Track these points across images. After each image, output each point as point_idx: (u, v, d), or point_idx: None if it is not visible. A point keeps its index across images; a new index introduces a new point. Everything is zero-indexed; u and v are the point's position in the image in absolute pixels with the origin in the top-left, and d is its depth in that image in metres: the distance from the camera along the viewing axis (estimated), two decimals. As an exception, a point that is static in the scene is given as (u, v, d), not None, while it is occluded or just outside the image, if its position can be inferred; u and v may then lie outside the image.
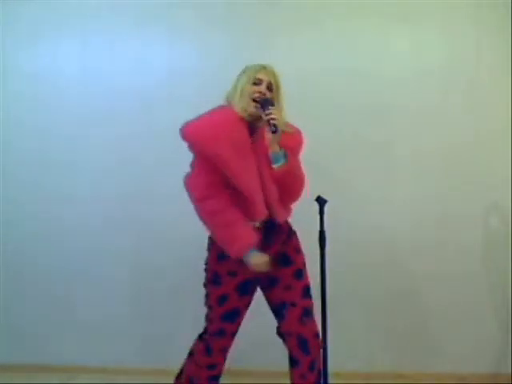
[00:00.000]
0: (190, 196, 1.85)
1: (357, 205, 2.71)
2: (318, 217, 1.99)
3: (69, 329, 2.83)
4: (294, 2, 2.69)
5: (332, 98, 2.69)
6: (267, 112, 1.75)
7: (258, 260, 1.78)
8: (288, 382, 1.94)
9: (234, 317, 1.90)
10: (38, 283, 2.83)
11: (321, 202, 1.98)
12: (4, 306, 2.84)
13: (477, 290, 2.69)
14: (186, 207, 1.92)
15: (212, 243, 1.92)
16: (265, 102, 1.78)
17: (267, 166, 1.81)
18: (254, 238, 1.77)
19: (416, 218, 2.70)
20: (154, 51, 2.75)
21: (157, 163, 2.72)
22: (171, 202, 2.61)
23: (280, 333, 1.92)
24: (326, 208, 1.98)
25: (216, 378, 1.97)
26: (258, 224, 1.84)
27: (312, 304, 1.91)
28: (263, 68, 1.86)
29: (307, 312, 1.88)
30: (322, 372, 1.94)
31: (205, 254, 1.97)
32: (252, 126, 1.85)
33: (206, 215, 1.81)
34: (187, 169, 1.90)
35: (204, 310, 1.97)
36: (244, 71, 1.88)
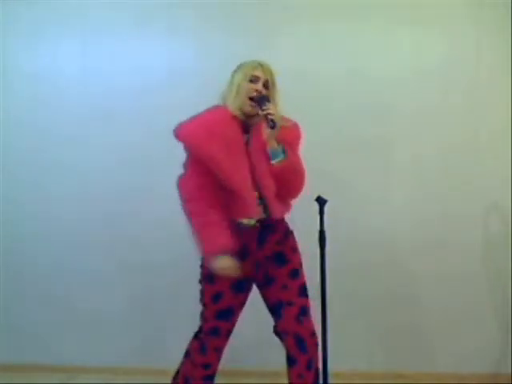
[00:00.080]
0: (181, 196, 1.88)
1: (357, 205, 2.71)
2: (318, 217, 1.98)
3: (69, 329, 2.83)
4: (294, 1, 2.69)
5: (332, 98, 2.69)
6: (264, 108, 1.75)
7: (225, 264, 1.76)
8: (285, 381, 1.94)
9: (228, 315, 1.89)
10: (37, 283, 2.83)
11: (321, 201, 1.98)
12: (4, 306, 2.84)
13: (477, 290, 2.69)
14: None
15: None
16: (261, 99, 1.78)
17: (265, 161, 1.81)
18: (227, 241, 1.75)
19: (416, 218, 2.70)
20: (154, 51, 2.75)
21: (156, 163, 2.72)
22: (171, 201, 2.60)
23: (277, 332, 1.91)
24: (326, 208, 1.98)
25: (211, 377, 1.96)
26: (253, 222, 1.84)
27: (309, 303, 1.91)
28: (260, 65, 1.85)
29: (304, 311, 1.87)
30: (319, 371, 1.92)
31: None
32: (246, 123, 1.85)
33: (190, 215, 1.83)
34: (185, 169, 1.90)
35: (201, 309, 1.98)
36: (239, 68, 1.88)
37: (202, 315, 1.95)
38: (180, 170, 1.93)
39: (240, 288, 1.89)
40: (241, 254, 1.82)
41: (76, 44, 2.78)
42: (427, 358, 2.73)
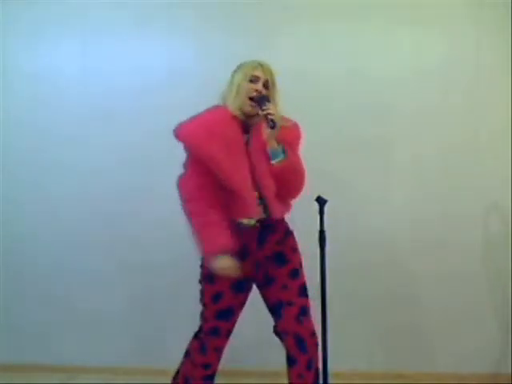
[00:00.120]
0: (180, 196, 1.88)
1: (357, 205, 2.71)
2: (318, 217, 1.98)
3: (69, 329, 2.83)
4: (294, 1, 2.69)
5: (332, 98, 2.69)
6: (264, 108, 1.75)
7: (224, 264, 1.76)
8: (285, 381, 1.94)
9: (228, 315, 1.89)
10: (37, 283, 2.83)
11: (321, 201, 1.98)
12: (4, 306, 2.84)
13: (477, 290, 2.69)
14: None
15: None
16: (261, 99, 1.78)
17: (265, 161, 1.81)
18: (227, 241, 1.75)
19: (416, 218, 2.70)
20: (154, 51, 2.75)
21: (156, 163, 2.72)
22: (171, 201, 2.60)
23: (277, 332, 1.91)
24: (326, 208, 1.98)
25: (211, 377, 1.96)
26: (253, 222, 1.84)
27: (309, 303, 1.91)
28: (260, 65, 1.85)
29: (304, 311, 1.87)
30: (319, 371, 1.92)
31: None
32: (246, 123, 1.85)
33: (190, 215, 1.83)
34: (185, 168, 1.90)
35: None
36: (239, 68, 1.88)
37: (202, 315, 1.95)
38: (180, 170, 1.93)
39: (240, 288, 1.89)
40: (241, 254, 1.82)
41: (76, 44, 2.78)
42: (427, 358, 2.73)
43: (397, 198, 2.71)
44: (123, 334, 2.81)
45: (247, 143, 1.84)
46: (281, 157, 1.79)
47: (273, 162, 1.80)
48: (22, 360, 2.82)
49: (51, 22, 2.78)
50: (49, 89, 2.79)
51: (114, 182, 2.76)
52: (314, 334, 1.88)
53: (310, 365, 1.86)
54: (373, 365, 2.74)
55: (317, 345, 1.88)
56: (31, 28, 2.79)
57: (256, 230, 1.85)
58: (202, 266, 1.93)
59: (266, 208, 1.85)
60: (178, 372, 2.04)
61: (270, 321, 1.96)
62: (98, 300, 2.80)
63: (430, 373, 2.70)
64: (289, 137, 1.85)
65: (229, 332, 1.93)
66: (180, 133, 1.82)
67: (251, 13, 2.69)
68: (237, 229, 1.83)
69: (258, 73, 1.83)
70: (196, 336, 1.98)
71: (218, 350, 1.93)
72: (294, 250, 1.95)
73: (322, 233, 2.00)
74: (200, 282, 1.95)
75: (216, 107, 1.89)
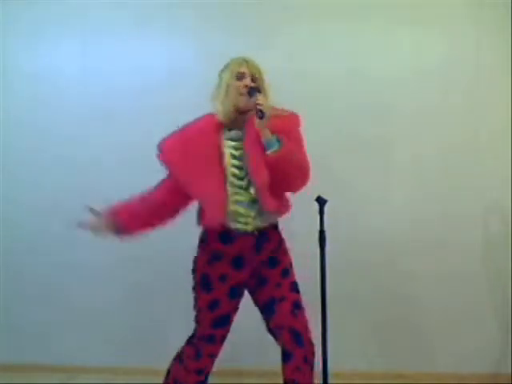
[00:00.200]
0: None
1: (357, 205, 2.71)
2: (318, 217, 1.98)
3: (69, 329, 2.83)
4: (294, 1, 2.69)
5: (332, 98, 2.69)
6: (253, 99, 1.75)
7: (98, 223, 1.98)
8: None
9: (224, 322, 1.88)
10: (37, 283, 2.83)
11: (321, 201, 1.97)
12: (4, 306, 2.84)
13: (477, 290, 2.69)
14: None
15: (203, 243, 1.90)
16: (252, 91, 1.78)
17: (259, 152, 1.77)
18: (122, 210, 1.99)
19: (416, 218, 2.70)
20: (154, 51, 2.75)
21: (156, 163, 2.71)
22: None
23: (271, 330, 1.89)
24: (326, 208, 1.98)
25: (203, 383, 1.94)
26: (250, 228, 1.82)
27: (301, 298, 1.88)
28: (245, 61, 1.84)
29: (297, 305, 1.85)
30: (313, 369, 1.86)
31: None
32: (240, 119, 1.84)
33: None
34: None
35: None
36: (226, 67, 1.87)
37: (196, 321, 1.92)
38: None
39: (235, 294, 1.88)
40: (237, 262, 1.82)
41: (76, 44, 2.78)
42: (427, 358, 2.73)
43: (397, 198, 2.71)
44: (123, 333, 2.81)
45: (240, 139, 1.83)
46: (276, 146, 1.74)
47: (268, 152, 1.75)
48: (22, 360, 2.83)
49: (51, 22, 2.79)
50: (49, 89, 2.79)
51: (114, 181, 2.75)
52: (307, 328, 1.84)
53: (306, 359, 1.81)
54: (373, 365, 2.74)
55: (311, 341, 1.83)
56: (31, 28, 2.79)
57: (253, 238, 1.84)
58: (194, 271, 1.91)
59: (258, 199, 1.81)
60: (168, 372, 2.00)
61: (268, 320, 1.95)
62: (98, 300, 2.80)
63: (429, 373, 2.70)
64: (286, 126, 1.82)
65: (223, 338, 1.91)
66: (158, 147, 1.92)
67: (251, 13, 2.70)
68: (231, 235, 1.82)
69: (243, 69, 1.82)
70: (189, 342, 1.94)
71: (213, 356, 1.91)
72: (285, 252, 1.94)
73: (321, 233, 2.00)
74: (193, 288, 1.92)
75: (202, 117, 1.90)
